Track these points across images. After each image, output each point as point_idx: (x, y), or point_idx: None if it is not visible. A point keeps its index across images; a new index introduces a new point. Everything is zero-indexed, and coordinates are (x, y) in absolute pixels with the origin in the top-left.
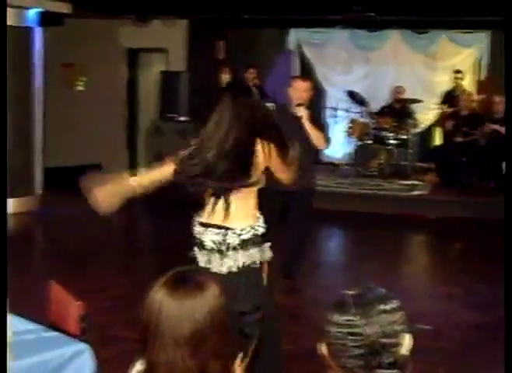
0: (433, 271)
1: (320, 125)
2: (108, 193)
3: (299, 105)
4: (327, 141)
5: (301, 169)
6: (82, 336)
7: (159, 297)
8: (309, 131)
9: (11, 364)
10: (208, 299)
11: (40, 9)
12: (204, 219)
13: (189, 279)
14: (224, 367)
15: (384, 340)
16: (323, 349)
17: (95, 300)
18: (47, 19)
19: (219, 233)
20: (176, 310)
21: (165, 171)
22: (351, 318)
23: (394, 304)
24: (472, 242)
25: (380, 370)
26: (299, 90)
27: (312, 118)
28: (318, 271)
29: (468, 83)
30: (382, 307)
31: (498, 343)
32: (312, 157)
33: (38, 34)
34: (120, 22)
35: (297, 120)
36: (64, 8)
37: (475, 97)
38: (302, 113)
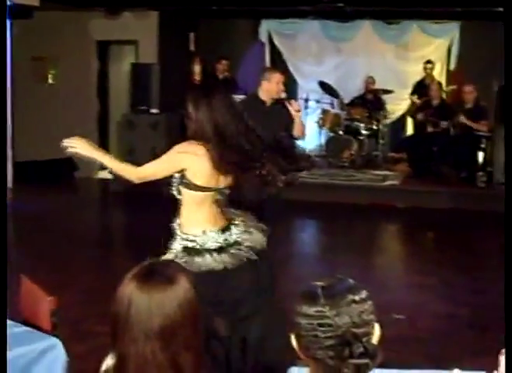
0: (406, 261)
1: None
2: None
3: (282, 99)
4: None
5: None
6: (53, 331)
7: (129, 290)
8: (297, 122)
9: None
10: (178, 292)
11: (8, 2)
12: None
13: (159, 272)
14: (195, 360)
15: (355, 330)
16: (293, 340)
17: (67, 294)
18: (16, 12)
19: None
20: (145, 303)
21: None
22: (320, 309)
23: (363, 294)
24: (445, 231)
25: (352, 360)
26: (278, 83)
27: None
28: (291, 262)
29: (438, 73)
30: (351, 297)
31: (473, 333)
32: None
33: (5, 27)
34: (91, 14)
35: (270, 111)
36: (33, 1)
37: (446, 88)
38: (296, 106)
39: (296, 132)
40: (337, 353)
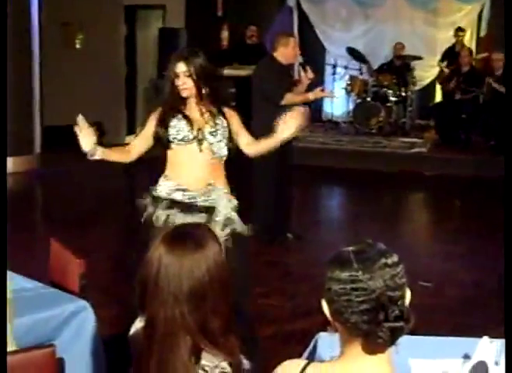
0: (432, 229)
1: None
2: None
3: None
4: None
5: None
6: (82, 294)
7: (158, 254)
8: (300, 89)
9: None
10: (208, 256)
11: None
12: None
13: (189, 236)
14: (223, 324)
15: (390, 293)
16: (324, 306)
17: (95, 259)
18: None
19: None
20: (175, 267)
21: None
22: (354, 273)
23: (395, 257)
24: (472, 200)
25: (388, 323)
26: (294, 48)
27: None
28: (316, 229)
29: (468, 40)
30: (384, 261)
31: (498, 301)
32: None
33: None
34: None
35: (288, 76)
36: None
37: (476, 56)
38: (310, 73)
39: (296, 98)
40: (372, 317)
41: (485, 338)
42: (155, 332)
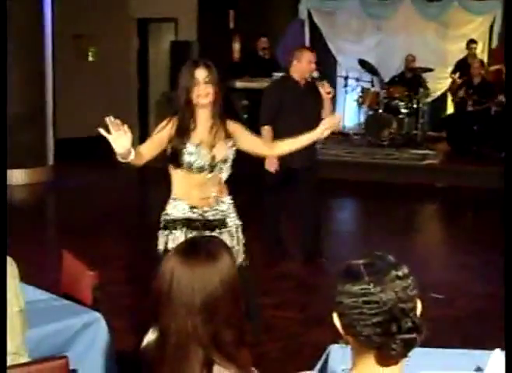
0: (445, 241)
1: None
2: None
3: (314, 79)
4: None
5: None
6: (94, 306)
7: (171, 265)
8: (327, 104)
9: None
10: (220, 269)
11: None
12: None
13: (202, 247)
14: (235, 337)
15: (403, 305)
16: (335, 319)
17: (108, 270)
18: None
19: None
20: (187, 279)
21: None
22: (365, 286)
23: (405, 269)
24: (484, 211)
25: (401, 335)
26: (309, 62)
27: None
28: (329, 241)
29: (479, 51)
30: (395, 273)
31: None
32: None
33: (48, 5)
34: None
35: (304, 91)
36: None
37: (489, 68)
38: (327, 87)
39: (324, 114)
40: (384, 329)
41: (498, 350)
42: (167, 344)
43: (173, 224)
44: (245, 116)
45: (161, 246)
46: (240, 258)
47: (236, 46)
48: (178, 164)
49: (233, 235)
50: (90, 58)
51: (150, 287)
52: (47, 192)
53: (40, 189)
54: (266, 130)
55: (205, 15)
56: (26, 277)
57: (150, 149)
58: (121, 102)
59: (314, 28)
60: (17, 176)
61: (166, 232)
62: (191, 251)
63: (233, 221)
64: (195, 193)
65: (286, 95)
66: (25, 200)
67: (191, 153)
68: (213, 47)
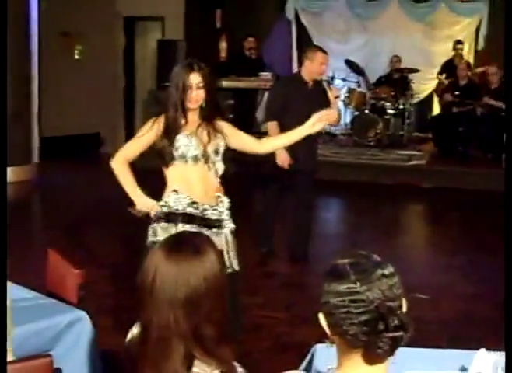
0: (430, 241)
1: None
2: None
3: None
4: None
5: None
6: (80, 305)
7: (156, 258)
8: (334, 108)
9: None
10: (205, 264)
11: None
12: None
13: (187, 242)
14: (217, 332)
15: (389, 304)
16: (321, 319)
17: (93, 268)
18: None
19: None
20: (171, 273)
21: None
22: (351, 285)
23: (391, 268)
24: (470, 212)
25: (388, 333)
26: (321, 64)
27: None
28: (314, 241)
29: (466, 53)
30: (381, 271)
31: (496, 314)
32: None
33: (34, 2)
34: None
35: (311, 92)
36: None
37: (475, 70)
38: (335, 92)
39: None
40: (371, 328)
41: (483, 350)
42: (149, 338)
43: (174, 217)
44: (231, 115)
45: (151, 238)
46: (234, 263)
47: (223, 45)
48: (171, 157)
49: (227, 238)
50: (76, 56)
51: (136, 285)
52: (33, 190)
53: (26, 187)
54: (270, 125)
55: (192, 14)
56: (11, 276)
57: (138, 151)
58: (107, 100)
59: (301, 28)
60: None
61: (166, 225)
62: (176, 246)
63: (229, 223)
64: (198, 188)
65: (292, 94)
66: (10, 197)
67: (184, 144)
68: (200, 46)
